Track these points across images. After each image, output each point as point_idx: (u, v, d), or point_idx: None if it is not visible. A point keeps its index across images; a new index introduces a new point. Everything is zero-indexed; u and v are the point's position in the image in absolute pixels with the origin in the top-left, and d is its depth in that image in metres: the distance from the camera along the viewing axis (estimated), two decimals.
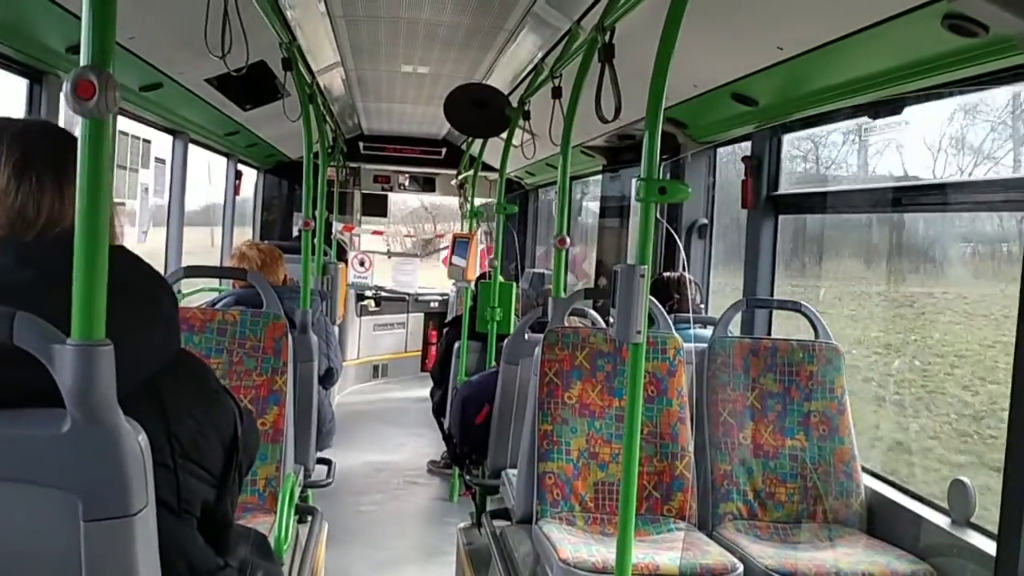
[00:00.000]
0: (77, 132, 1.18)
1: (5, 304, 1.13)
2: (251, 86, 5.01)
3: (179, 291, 4.59)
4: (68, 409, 1.13)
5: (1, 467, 1.14)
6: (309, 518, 3.52)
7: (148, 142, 5.34)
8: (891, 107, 3.38)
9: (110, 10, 1.18)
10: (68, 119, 3.38)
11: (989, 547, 2.69)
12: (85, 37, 1.17)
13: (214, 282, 5.82)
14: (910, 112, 3.38)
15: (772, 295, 4.34)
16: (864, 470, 3.41)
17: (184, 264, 4.50)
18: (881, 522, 3.25)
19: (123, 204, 4.87)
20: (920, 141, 4.19)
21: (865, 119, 3.61)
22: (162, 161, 5.58)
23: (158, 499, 1.24)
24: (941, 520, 2.96)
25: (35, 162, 1.34)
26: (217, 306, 3.80)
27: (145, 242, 5.38)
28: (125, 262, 1.22)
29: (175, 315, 1.38)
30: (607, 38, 3.12)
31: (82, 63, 1.16)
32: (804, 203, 4.44)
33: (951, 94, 3.14)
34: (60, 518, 1.14)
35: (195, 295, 5.20)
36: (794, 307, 3.68)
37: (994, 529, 2.31)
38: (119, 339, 1.16)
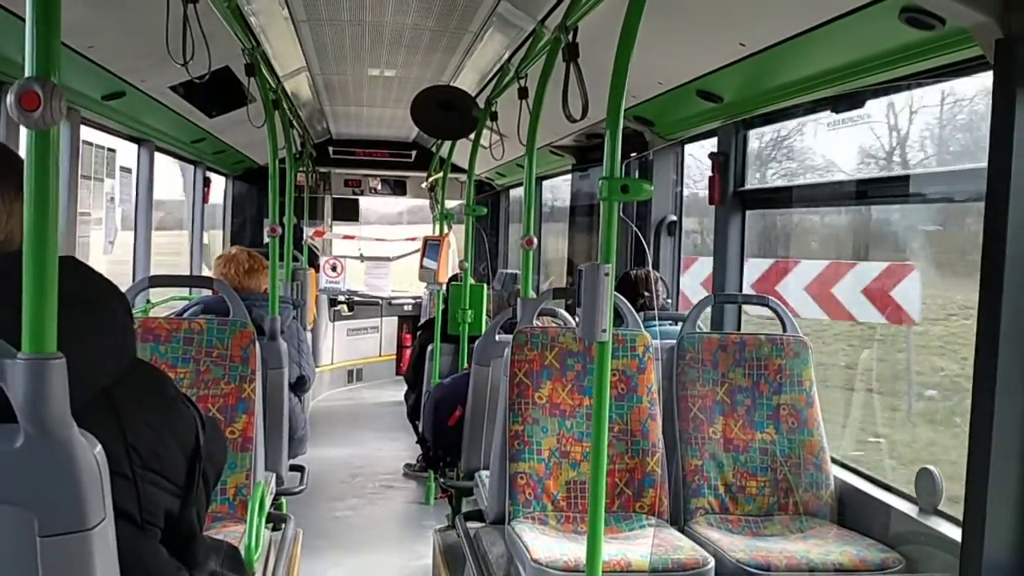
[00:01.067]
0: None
1: None
2: (216, 92, 4.97)
3: (147, 300, 4.55)
4: (20, 424, 1.11)
5: None
6: (283, 525, 3.50)
7: (113, 151, 5.29)
8: (852, 101, 3.41)
9: (54, 18, 1.17)
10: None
11: (955, 534, 2.72)
12: (29, 46, 1.16)
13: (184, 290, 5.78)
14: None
15: (740, 290, 4.37)
16: (834, 461, 3.44)
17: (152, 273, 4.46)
18: (851, 512, 3.28)
19: (88, 214, 4.81)
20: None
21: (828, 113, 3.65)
22: (128, 170, 5.53)
23: (119, 510, 1.22)
24: (909, 508, 2.99)
25: None
26: (184, 315, 3.77)
27: (112, 252, 5.33)
28: (75, 273, 1.21)
29: (130, 324, 1.37)
30: (570, 37, 3.13)
31: (26, 73, 1.15)
32: (771, 198, 4.48)
33: (910, 87, 3.18)
34: (16, 535, 1.12)
35: (165, 304, 5.15)
36: (761, 301, 3.71)
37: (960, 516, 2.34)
38: (71, 351, 1.14)
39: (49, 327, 1.14)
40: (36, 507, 1.13)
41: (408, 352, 9.04)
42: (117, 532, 1.21)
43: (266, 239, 4.09)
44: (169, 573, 1.36)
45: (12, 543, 1.13)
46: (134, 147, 5.53)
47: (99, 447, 1.17)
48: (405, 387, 7.07)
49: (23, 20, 1.17)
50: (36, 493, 1.13)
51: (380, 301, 10.21)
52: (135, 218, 5.61)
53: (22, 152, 1.16)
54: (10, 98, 1.13)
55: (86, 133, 4.55)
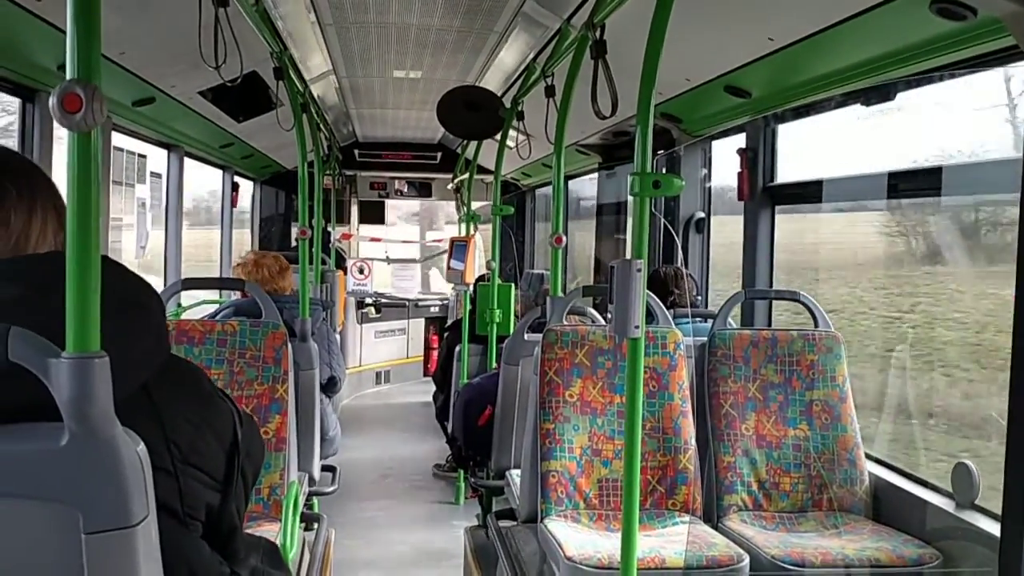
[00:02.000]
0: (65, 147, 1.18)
1: None
2: (244, 97, 5.02)
3: (178, 304, 4.60)
4: (65, 422, 1.13)
5: (1, 482, 1.13)
6: (316, 525, 3.52)
7: (144, 157, 5.35)
8: (883, 93, 3.38)
9: (95, 23, 1.18)
10: (62, 136, 3.39)
11: (994, 529, 2.69)
12: (70, 51, 1.17)
13: (213, 294, 5.83)
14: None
15: (771, 286, 4.34)
16: (868, 457, 3.41)
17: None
18: (886, 508, 3.25)
19: (119, 220, 4.87)
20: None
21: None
22: (158, 176, 5.59)
23: (162, 505, 1.23)
24: (946, 504, 2.96)
25: (11, 186, 1.34)
26: (216, 317, 3.80)
27: (144, 256, 5.39)
28: (112, 272, 1.22)
29: (163, 322, 1.39)
30: (598, 35, 3.12)
31: (68, 76, 1.16)
32: (801, 193, 4.44)
33: (941, 78, 3.14)
34: (61, 532, 1.14)
35: (195, 308, 5.20)
36: (792, 297, 3.68)
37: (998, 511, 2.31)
38: (111, 349, 1.16)
39: (92, 326, 1.15)
40: (81, 504, 1.14)
41: (435, 353, 9.08)
42: (160, 527, 1.22)
43: (294, 242, 4.12)
44: (211, 568, 1.37)
45: (58, 540, 1.14)
46: (163, 152, 5.60)
47: (142, 445, 1.19)
48: (432, 388, 7.09)
49: (55, 28, 1.18)
50: (81, 490, 1.14)
51: (407, 303, 10.24)
52: (165, 222, 5.68)
53: (60, 156, 1.18)
54: (52, 100, 1.15)
55: (117, 139, 4.61)
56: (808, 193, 4.48)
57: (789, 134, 4.43)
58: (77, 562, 1.14)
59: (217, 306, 4.44)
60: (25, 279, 1.25)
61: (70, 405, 1.12)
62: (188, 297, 5.15)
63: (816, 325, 3.54)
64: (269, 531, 2.77)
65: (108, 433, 1.14)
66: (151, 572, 1.20)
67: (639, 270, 2.19)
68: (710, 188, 5.23)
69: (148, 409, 1.28)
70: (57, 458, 1.14)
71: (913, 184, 3.62)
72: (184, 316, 4.19)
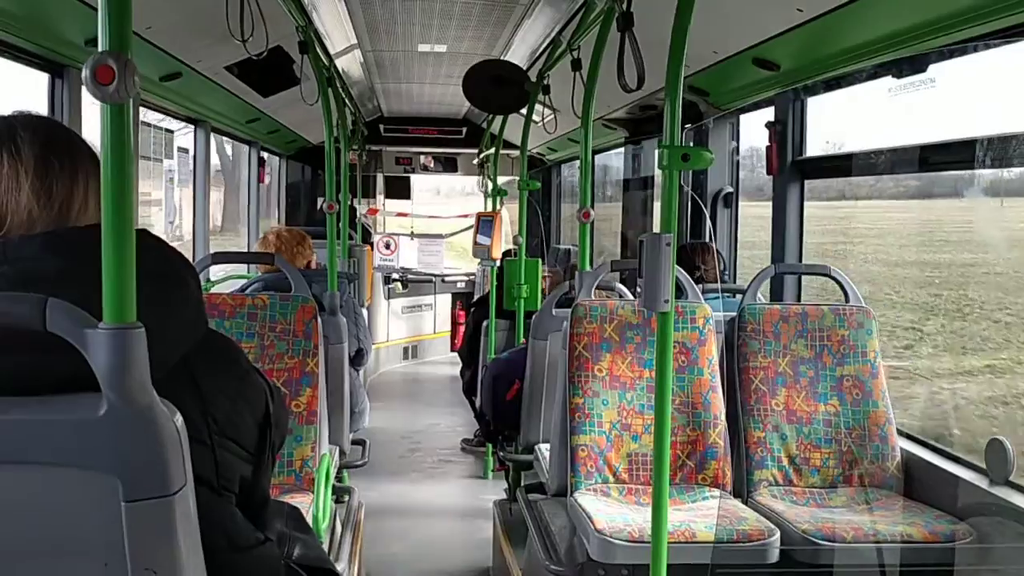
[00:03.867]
0: (93, 124, 1.18)
1: (33, 291, 1.14)
2: (269, 72, 5.01)
3: (207, 279, 4.63)
4: (103, 392, 1.14)
5: (42, 451, 1.15)
6: (346, 497, 3.56)
7: (171, 132, 5.37)
8: (915, 65, 3.32)
9: None
10: (90, 112, 3.41)
11: None
12: (102, 23, 1.17)
13: (240, 269, 5.87)
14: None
15: (800, 261, 4.30)
16: (900, 433, 3.38)
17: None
18: (918, 484, 3.23)
19: (148, 195, 4.90)
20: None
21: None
22: (185, 151, 5.62)
23: (198, 477, 1.25)
24: (979, 480, 2.94)
25: (54, 157, 1.35)
26: (246, 291, 3.83)
27: (172, 231, 5.43)
28: (149, 245, 1.23)
29: (200, 295, 1.40)
30: (624, 6, 3.09)
31: (99, 49, 1.16)
32: (830, 167, 4.39)
33: (976, 48, 3.08)
34: (102, 500, 1.15)
35: (224, 282, 5.23)
36: (823, 271, 3.65)
37: None
38: (150, 322, 1.16)
39: (128, 297, 1.16)
40: (120, 473, 1.15)
41: (462, 328, 9.10)
42: (196, 498, 1.24)
43: (320, 216, 4.13)
44: (246, 535, 1.40)
45: (99, 507, 1.16)
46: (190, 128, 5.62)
47: (179, 416, 1.20)
48: (459, 363, 7.12)
49: (83, 2, 1.18)
50: (120, 459, 1.16)
51: (433, 278, 10.27)
52: (193, 198, 5.71)
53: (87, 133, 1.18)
54: (85, 72, 1.15)
55: (144, 114, 4.63)
56: (838, 167, 4.42)
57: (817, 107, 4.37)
58: (118, 529, 1.16)
59: (244, 281, 4.47)
60: (65, 252, 1.26)
61: (107, 375, 1.13)
62: (216, 272, 5.19)
63: (847, 300, 3.51)
64: (301, 503, 2.80)
65: (145, 403, 1.16)
66: (189, 539, 1.21)
67: (668, 244, 2.18)
68: (738, 162, 5.18)
69: (188, 381, 1.29)
70: (96, 427, 1.15)
71: (946, 157, 3.56)
72: (213, 291, 4.22)
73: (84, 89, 1.15)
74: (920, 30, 2.88)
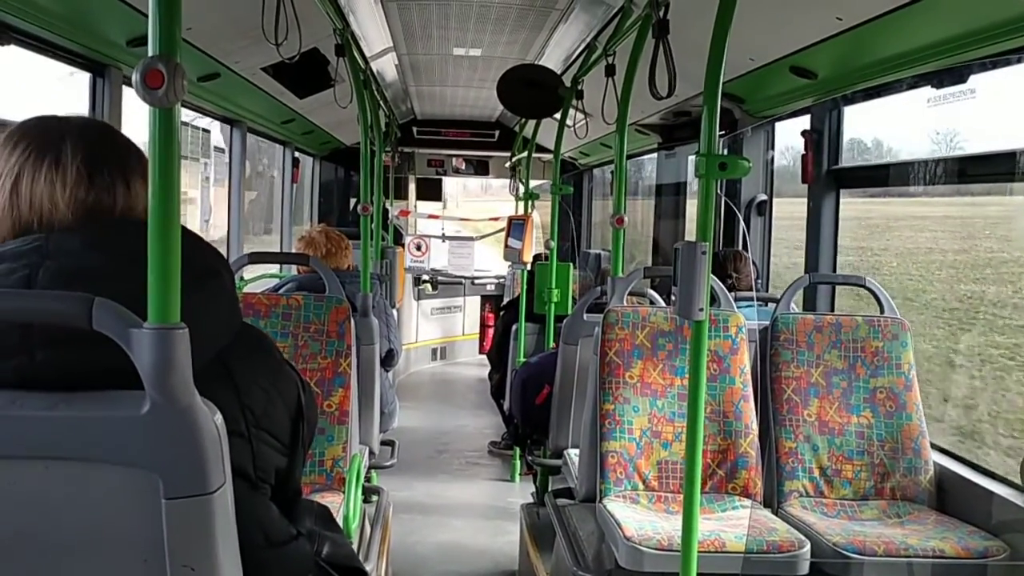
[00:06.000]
0: (134, 123, 1.20)
1: (76, 288, 1.17)
2: (305, 74, 5.06)
3: (240, 277, 4.67)
4: (147, 391, 1.16)
5: (85, 448, 1.17)
6: (375, 497, 3.57)
7: (207, 132, 5.44)
8: (955, 76, 3.28)
9: (176, 0, 1.20)
10: (130, 111, 3.46)
11: None
12: (153, 27, 1.19)
13: (272, 268, 5.92)
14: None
15: (835, 271, 4.27)
16: (933, 447, 3.34)
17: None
18: (951, 499, 3.19)
19: (184, 193, 4.96)
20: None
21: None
22: (221, 150, 5.68)
23: (236, 469, 1.27)
24: (1014, 496, 2.90)
25: (102, 157, 1.37)
26: (280, 291, 3.86)
27: (207, 229, 5.49)
28: (187, 241, 1.25)
29: (235, 290, 1.43)
30: (661, 13, 3.09)
31: (150, 53, 1.18)
32: (866, 177, 4.35)
33: (1019, 60, 3.04)
34: (143, 496, 1.17)
35: (257, 281, 5.28)
36: (858, 282, 3.62)
37: None
38: (190, 317, 1.19)
39: (173, 298, 1.18)
40: (161, 470, 1.17)
41: (491, 331, 9.11)
42: (234, 491, 1.25)
43: (353, 217, 4.15)
44: (281, 530, 1.42)
45: (139, 504, 1.18)
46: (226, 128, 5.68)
47: (219, 415, 1.22)
48: (488, 366, 7.13)
49: (125, 3, 1.20)
50: (161, 457, 1.18)
51: (463, 280, 10.29)
52: (228, 197, 5.76)
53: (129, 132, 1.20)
54: (136, 76, 1.17)
55: (182, 114, 4.68)
56: (875, 176, 4.39)
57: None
58: (157, 526, 1.18)
59: (277, 280, 4.50)
60: (110, 248, 1.29)
61: (151, 374, 1.15)
62: (250, 272, 5.23)
63: (882, 311, 3.48)
64: (332, 502, 2.82)
65: (187, 402, 1.17)
66: (227, 537, 1.23)
67: (704, 252, 2.17)
68: (773, 171, 5.15)
69: (224, 375, 1.31)
70: (139, 425, 1.17)
71: (985, 169, 3.52)
72: (247, 290, 4.25)
73: (124, 87, 1.17)
74: (960, 40, 2.85)
